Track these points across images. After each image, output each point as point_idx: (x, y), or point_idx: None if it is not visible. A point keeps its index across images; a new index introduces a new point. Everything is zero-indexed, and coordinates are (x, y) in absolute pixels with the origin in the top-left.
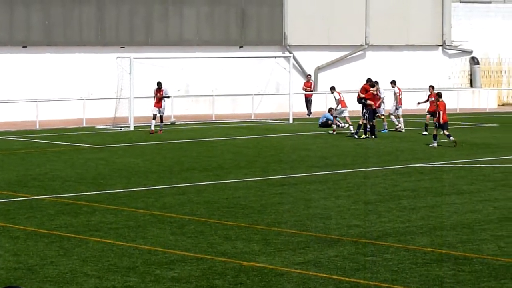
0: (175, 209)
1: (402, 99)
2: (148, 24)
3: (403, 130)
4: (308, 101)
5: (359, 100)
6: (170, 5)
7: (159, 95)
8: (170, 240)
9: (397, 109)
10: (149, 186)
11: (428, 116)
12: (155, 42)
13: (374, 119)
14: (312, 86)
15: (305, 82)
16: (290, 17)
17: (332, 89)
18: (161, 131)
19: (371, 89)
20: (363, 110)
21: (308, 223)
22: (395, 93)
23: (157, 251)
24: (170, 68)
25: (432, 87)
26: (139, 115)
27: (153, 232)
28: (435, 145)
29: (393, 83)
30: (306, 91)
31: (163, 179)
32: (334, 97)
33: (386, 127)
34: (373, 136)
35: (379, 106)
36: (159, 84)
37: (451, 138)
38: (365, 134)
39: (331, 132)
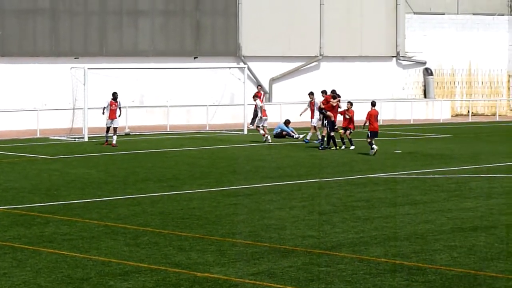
0: (129, 220)
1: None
2: (102, 35)
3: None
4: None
5: (320, 110)
6: (124, 16)
7: (114, 107)
8: (124, 251)
9: (318, 119)
10: (103, 197)
11: (342, 131)
12: (110, 53)
13: (334, 130)
14: (263, 97)
15: (256, 93)
16: (244, 28)
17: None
18: (115, 145)
19: (332, 100)
20: (323, 121)
21: (263, 233)
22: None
23: (111, 262)
24: (124, 79)
25: (311, 93)
26: (94, 126)
27: (107, 243)
28: (375, 147)
29: (311, 94)
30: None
31: (117, 190)
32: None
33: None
34: (335, 147)
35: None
36: (114, 94)
37: (374, 147)
38: (335, 146)
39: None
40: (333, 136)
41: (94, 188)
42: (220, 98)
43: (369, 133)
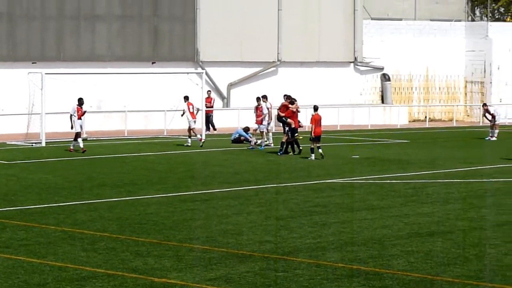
0: (87, 225)
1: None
2: (59, 40)
3: (272, 145)
4: (208, 117)
5: (279, 118)
6: (81, 21)
7: (81, 112)
8: (81, 256)
9: (268, 124)
10: (60, 203)
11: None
12: (67, 58)
13: (294, 137)
14: (212, 102)
15: (206, 98)
16: (202, 33)
17: (186, 98)
18: (83, 150)
19: (291, 106)
20: (284, 128)
21: (220, 239)
22: (268, 109)
23: (68, 268)
24: (82, 84)
25: (259, 98)
26: (51, 131)
27: (64, 248)
28: (313, 157)
29: (265, 98)
30: (206, 107)
31: (75, 195)
32: (185, 107)
33: (264, 144)
34: (296, 153)
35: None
36: (80, 100)
37: (320, 150)
38: (293, 151)
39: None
40: (292, 141)
41: (51, 194)
42: (178, 103)
43: (312, 137)
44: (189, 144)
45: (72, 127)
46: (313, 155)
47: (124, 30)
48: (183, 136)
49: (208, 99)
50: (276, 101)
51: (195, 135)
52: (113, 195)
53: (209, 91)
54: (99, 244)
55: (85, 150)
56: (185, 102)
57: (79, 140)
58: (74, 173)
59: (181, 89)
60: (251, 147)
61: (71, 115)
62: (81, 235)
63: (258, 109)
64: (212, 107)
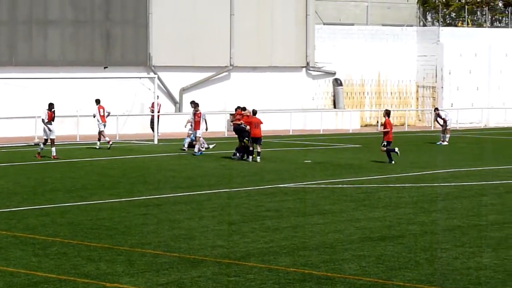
0: (38, 230)
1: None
2: (11, 44)
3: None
4: (152, 122)
5: (237, 127)
6: (34, 25)
7: (50, 117)
8: (33, 261)
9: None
10: (12, 208)
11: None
12: (19, 62)
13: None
14: (158, 107)
15: (152, 103)
16: (155, 38)
17: (97, 101)
18: (55, 156)
19: (244, 112)
20: (242, 136)
21: (172, 243)
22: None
23: (20, 273)
24: (34, 89)
25: (196, 104)
26: (2, 136)
27: (15, 253)
28: (250, 159)
29: (196, 105)
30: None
31: (27, 200)
32: (96, 111)
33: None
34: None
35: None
36: (51, 105)
37: (258, 157)
38: (248, 157)
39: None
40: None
41: (2, 198)
42: (130, 108)
43: (255, 139)
44: (98, 147)
45: (44, 132)
46: (250, 156)
47: (77, 35)
48: (135, 141)
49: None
50: (229, 106)
51: (104, 138)
52: (65, 200)
53: (157, 96)
54: (51, 249)
55: (56, 157)
56: (96, 105)
57: (52, 148)
58: (26, 178)
59: (133, 94)
60: (197, 153)
61: (43, 120)
62: (33, 240)
63: (196, 114)
64: (158, 112)
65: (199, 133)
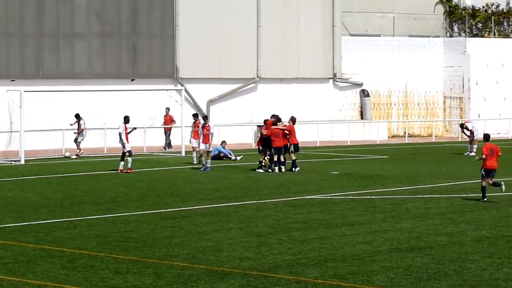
0: (66, 243)
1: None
2: (39, 57)
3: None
4: (166, 134)
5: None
6: (61, 38)
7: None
8: (60, 274)
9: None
10: (40, 220)
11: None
12: (46, 75)
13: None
14: (171, 120)
15: (165, 116)
16: (181, 50)
17: (77, 116)
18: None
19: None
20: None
21: (200, 256)
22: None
23: (48, 286)
24: (62, 102)
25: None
26: (30, 149)
27: (43, 266)
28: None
29: (198, 116)
30: (165, 125)
31: (54, 213)
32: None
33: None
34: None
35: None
36: (126, 118)
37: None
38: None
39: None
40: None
41: (30, 211)
42: (157, 120)
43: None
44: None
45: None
46: (276, 167)
47: (103, 48)
48: (162, 153)
49: (167, 117)
50: (256, 118)
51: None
52: (92, 212)
53: (167, 108)
54: (78, 261)
55: (127, 172)
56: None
57: (129, 159)
58: (53, 191)
59: (160, 106)
60: (202, 169)
61: (119, 133)
62: (61, 253)
63: (205, 127)
64: (170, 124)
65: (208, 146)
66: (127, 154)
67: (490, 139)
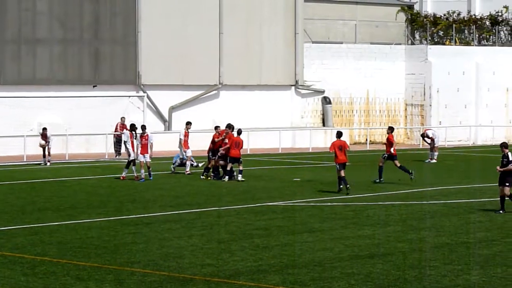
0: (27, 249)
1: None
2: (0, 64)
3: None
4: (117, 141)
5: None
6: (23, 44)
7: (131, 139)
8: (21, 281)
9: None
10: (1, 227)
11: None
12: (8, 81)
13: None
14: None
15: (117, 124)
16: (144, 56)
17: (44, 129)
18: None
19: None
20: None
21: (161, 262)
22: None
23: None
24: (23, 108)
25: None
26: None
27: (3, 273)
28: (226, 179)
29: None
30: (120, 132)
31: (15, 219)
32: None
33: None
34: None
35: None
36: (132, 126)
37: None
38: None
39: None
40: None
41: None
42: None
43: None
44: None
45: (128, 154)
46: (227, 177)
47: (65, 54)
48: (124, 159)
49: (123, 126)
50: (218, 125)
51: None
52: (54, 219)
53: (123, 117)
54: (39, 268)
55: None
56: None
57: (133, 168)
58: (15, 197)
59: (122, 113)
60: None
61: (125, 142)
62: (21, 259)
63: (143, 137)
64: (122, 132)
65: (147, 157)
66: (132, 162)
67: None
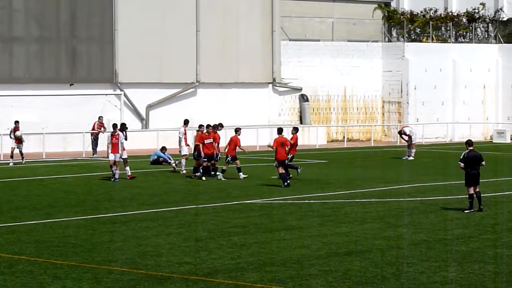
0: (4, 248)
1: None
2: None
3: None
4: (94, 140)
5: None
6: None
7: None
8: None
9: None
10: None
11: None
12: None
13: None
14: (102, 129)
15: (94, 123)
16: (121, 54)
17: (16, 123)
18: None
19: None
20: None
21: (139, 260)
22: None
23: None
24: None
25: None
26: None
27: None
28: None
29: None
30: (98, 131)
31: None
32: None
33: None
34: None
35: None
36: (123, 125)
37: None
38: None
39: None
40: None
41: None
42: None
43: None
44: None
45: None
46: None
47: (42, 52)
48: (102, 158)
49: (100, 125)
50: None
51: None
52: (31, 217)
53: (101, 116)
54: (16, 267)
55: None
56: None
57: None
58: None
59: (99, 111)
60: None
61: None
62: None
63: (114, 136)
64: (100, 131)
65: (117, 157)
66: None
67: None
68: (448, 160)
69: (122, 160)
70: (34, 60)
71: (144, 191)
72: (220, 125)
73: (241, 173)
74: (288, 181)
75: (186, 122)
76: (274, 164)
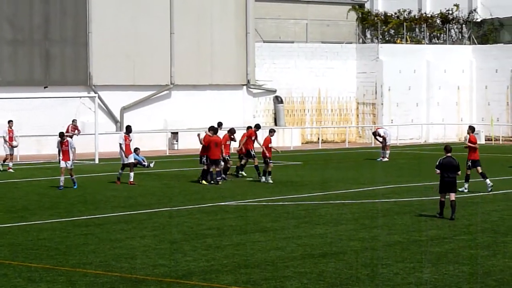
0: None
1: None
2: None
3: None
4: None
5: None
6: None
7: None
8: None
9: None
10: None
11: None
12: None
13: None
14: (77, 131)
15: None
16: (95, 57)
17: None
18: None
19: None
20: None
21: (114, 263)
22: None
23: None
24: None
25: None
26: None
27: None
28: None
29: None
30: (72, 133)
31: None
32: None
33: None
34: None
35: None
36: (128, 128)
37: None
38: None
39: None
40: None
41: None
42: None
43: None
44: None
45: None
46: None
47: (15, 55)
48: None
49: (74, 128)
50: (170, 125)
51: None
52: (5, 220)
53: (74, 119)
54: None
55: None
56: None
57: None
58: None
59: (73, 114)
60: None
61: (120, 144)
62: None
63: (63, 143)
64: (73, 134)
65: (68, 164)
66: (126, 165)
67: None
68: (422, 161)
69: (130, 163)
70: (8, 63)
71: (118, 193)
72: (219, 125)
73: (243, 172)
74: (215, 180)
75: (128, 128)
76: (208, 161)
